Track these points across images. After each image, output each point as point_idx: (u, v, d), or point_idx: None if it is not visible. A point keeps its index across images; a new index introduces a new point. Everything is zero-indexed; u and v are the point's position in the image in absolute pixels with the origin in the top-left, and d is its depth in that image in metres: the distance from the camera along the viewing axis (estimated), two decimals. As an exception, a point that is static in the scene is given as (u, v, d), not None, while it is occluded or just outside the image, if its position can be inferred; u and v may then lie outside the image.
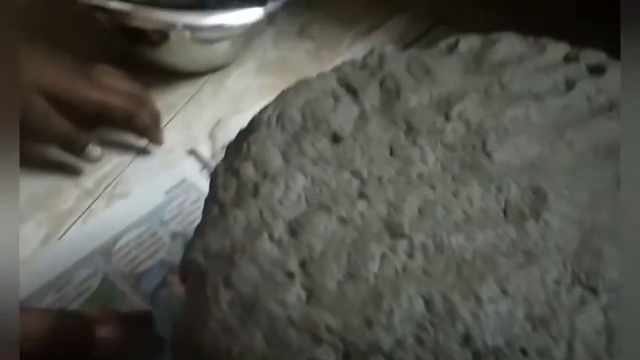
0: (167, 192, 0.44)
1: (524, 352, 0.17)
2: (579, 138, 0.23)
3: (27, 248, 0.46)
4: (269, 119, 0.24)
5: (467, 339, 0.17)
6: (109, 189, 0.43)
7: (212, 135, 0.47)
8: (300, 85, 0.25)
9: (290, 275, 0.19)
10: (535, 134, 0.23)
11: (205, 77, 0.53)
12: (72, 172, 0.43)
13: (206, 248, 0.20)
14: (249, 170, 0.22)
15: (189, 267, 0.20)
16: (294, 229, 0.20)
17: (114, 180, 0.43)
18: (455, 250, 0.19)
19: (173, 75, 0.53)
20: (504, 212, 0.20)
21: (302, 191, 0.21)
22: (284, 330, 0.17)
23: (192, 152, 0.46)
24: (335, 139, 0.23)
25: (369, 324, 0.17)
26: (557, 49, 0.28)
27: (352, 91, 0.25)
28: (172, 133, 0.47)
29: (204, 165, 0.45)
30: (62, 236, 0.41)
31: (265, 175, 0.22)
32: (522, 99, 0.24)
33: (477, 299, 0.18)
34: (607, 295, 0.18)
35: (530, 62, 0.27)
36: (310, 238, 0.19)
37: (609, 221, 0.20)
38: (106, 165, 0.43)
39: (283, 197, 0.21)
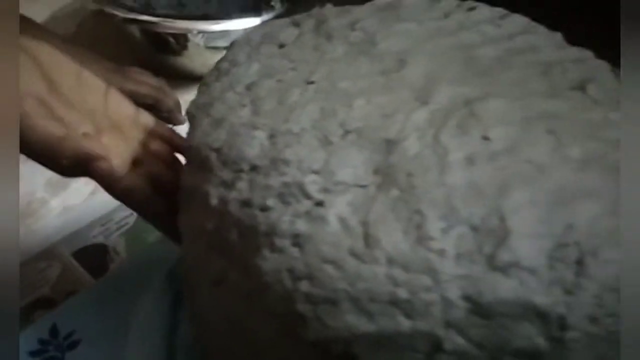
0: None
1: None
2: (445, 41, 0.35)
3: (78, 197, 0.59)
4: (240, 41, 0.37)
5: (342, 124, 0.28)
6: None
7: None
8: (266, 23, 0.38)
9: (243, 105, 0.31)
10: (411, 37, 0.35)
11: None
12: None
13: (196, 103, 0.33)
14: (225, 64, 0.35)
15: (188, 116, 0.33)
16: (249, 87, 0.32)
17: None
18: (343, 88, 0.31)
19: (191, 80, 0.67)
20: (380, 73, 0.32)
21: (256, 70, 0.33)
22: (238, 127, 0.29)
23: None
24: (281, 46, 0.35)
25: (286, 121, 0.29)
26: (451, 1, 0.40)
27: (296, 24, 0.37)
28: (189, 120, 0.60)
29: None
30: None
31: (234, 64, 0.34)
32: (408, 21, 0.36)
33: (350, 106, 0.29)
34: (435, 105, 0.29)
35: (424, 7, 0.39)
36: (258, 90, 0.32)
37: (452, 76, 0.32)
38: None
39: (244, 73, 0.33)
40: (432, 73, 0.32)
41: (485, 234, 0.24)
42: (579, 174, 0.27)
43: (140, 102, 0.59)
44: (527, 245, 0.24)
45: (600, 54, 0.37)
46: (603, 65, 0.36)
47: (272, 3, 0.69)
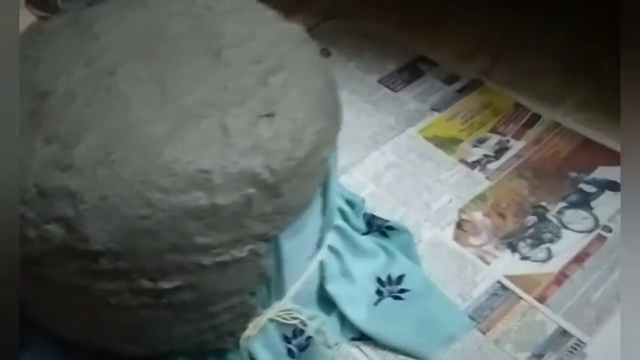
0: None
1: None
2: (146, 22, 0.56)
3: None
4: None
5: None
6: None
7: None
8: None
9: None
10: (125, 20, 0.56)
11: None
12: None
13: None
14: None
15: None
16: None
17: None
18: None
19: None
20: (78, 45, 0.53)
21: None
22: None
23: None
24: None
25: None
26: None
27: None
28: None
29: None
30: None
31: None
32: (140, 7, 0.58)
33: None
34: (93, 68, 0.50)
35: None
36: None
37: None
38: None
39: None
40: (114, 45, 0.53)
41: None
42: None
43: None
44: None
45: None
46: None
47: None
